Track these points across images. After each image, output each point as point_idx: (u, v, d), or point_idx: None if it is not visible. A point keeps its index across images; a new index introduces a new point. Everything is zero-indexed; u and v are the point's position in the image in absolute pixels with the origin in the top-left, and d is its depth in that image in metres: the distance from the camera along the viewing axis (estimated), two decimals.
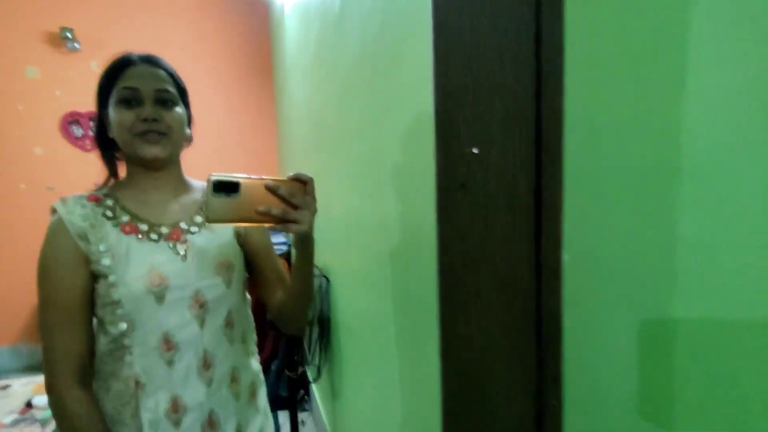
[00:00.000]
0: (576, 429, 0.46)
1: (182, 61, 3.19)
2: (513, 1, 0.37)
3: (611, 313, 0.41)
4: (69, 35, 2.95)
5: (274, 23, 3.09)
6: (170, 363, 0.72)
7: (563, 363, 0.45)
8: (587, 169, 0.41)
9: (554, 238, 0.42)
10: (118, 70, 0.74)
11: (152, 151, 0.73)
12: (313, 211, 0.68)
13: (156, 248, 0.74)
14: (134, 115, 0.72)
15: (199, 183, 0.86)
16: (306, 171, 0.74)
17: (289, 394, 1.88)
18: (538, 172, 0.41)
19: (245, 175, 0.64)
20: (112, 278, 0.69)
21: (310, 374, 1.84)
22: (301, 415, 2.17)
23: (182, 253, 0.76)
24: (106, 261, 0.70)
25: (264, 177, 0.65)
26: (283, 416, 1.99)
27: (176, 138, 0.76)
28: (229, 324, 0.79)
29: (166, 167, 0.79)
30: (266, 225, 0.65)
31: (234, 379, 0.81)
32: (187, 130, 0.80)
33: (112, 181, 0.81)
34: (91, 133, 3.10)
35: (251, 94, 3.51)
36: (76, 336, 0.70)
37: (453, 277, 0.39)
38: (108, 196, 0.77)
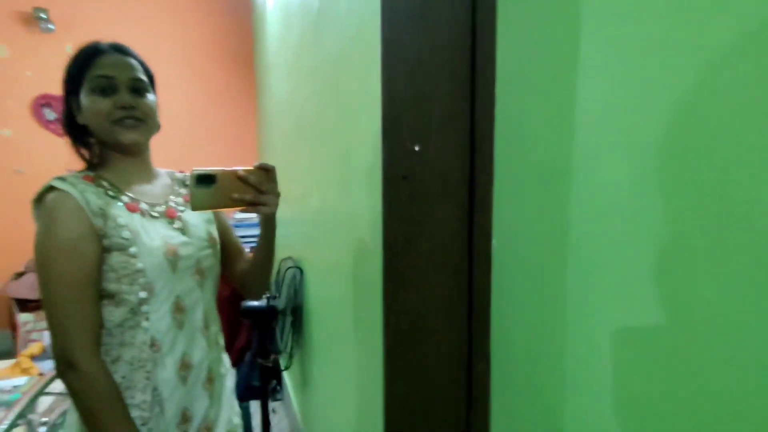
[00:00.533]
0: (503, 392, 0.53)
1: (161, 49, 3.16)
2: (452, 21, 0.44)
3: (533, 291, 0.48)
4: (43, 15, 2.87)
5: (257, 15, 3.08)
6: (181, 325, 0.79)
7: (491, 334, 0.53)
8: (514, 166, 0.48)
9: (485, 226, 0.50)
10: (88, 58, 0.77)
11: (131, 136, 0.77)
12: (277, 195, 0.78)
13: (159, 224, 0.80)
14: (111, 102, 0.75)
15: (162, 170, 0.92)
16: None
17: (261, 383, 1.92)
18: (472, 168, 0.47)
19: (220, 168, 0.73)
20: (133, 250, 0.74)
21: (283, 362, 1.89)
22: (273, 404, 2.20)
23: (180, 227, 0.82)
24: (126, 234, 0.74)
25: (235, 168, 0.75)
26: (255, 406, 2.02)
27: (151, 124, 0.81)
28: (216, 289, 0.90)
29: (141, 153, 0.84)
30: (240, 209, 0.74)
31: (218, 338, 0.91)
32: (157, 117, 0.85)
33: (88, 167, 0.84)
34: None
35: (232, 84, 3.49)
36: (93, 309, 0.73)
37: (394, 255, 0.45)
38: (99, 177, 0.79)
